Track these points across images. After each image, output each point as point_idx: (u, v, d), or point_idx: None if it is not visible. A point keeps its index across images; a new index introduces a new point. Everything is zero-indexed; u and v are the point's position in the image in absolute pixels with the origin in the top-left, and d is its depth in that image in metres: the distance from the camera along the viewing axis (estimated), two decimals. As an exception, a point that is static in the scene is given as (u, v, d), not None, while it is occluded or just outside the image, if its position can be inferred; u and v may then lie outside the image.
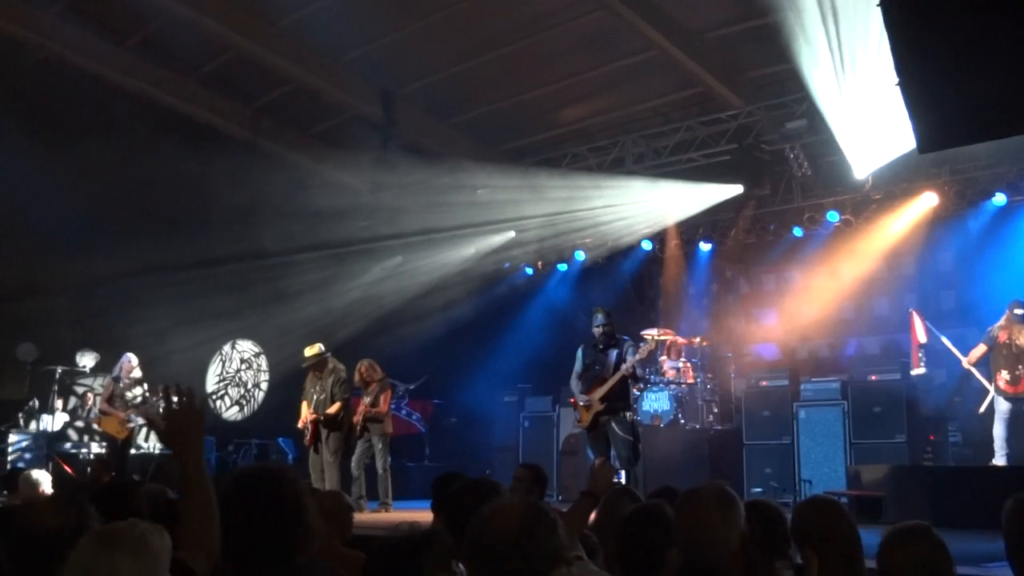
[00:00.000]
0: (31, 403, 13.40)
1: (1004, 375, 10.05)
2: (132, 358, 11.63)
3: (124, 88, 12.80)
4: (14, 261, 13.32)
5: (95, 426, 12.24)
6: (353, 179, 14.98)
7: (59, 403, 13.56)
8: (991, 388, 10.17)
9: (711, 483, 3.24)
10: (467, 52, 12.53)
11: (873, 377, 11.34)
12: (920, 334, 10.96)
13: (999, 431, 9.96)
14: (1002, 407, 10.03)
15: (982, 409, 10.31)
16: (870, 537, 3.44)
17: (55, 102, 12.00)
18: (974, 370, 10.38)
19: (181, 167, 13.25)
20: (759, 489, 11.01)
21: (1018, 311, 10.14)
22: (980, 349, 10.34)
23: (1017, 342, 10.04)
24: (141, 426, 11.51)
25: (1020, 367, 9.97)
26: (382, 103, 13.53)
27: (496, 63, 12.63)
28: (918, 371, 10.88)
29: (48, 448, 12.63)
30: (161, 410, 2.86)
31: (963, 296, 12.38)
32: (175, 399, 2.78)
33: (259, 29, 12.36)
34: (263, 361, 16.36)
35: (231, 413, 16.00)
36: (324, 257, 14.59)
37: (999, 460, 9.81)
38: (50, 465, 11.74)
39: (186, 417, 2.77)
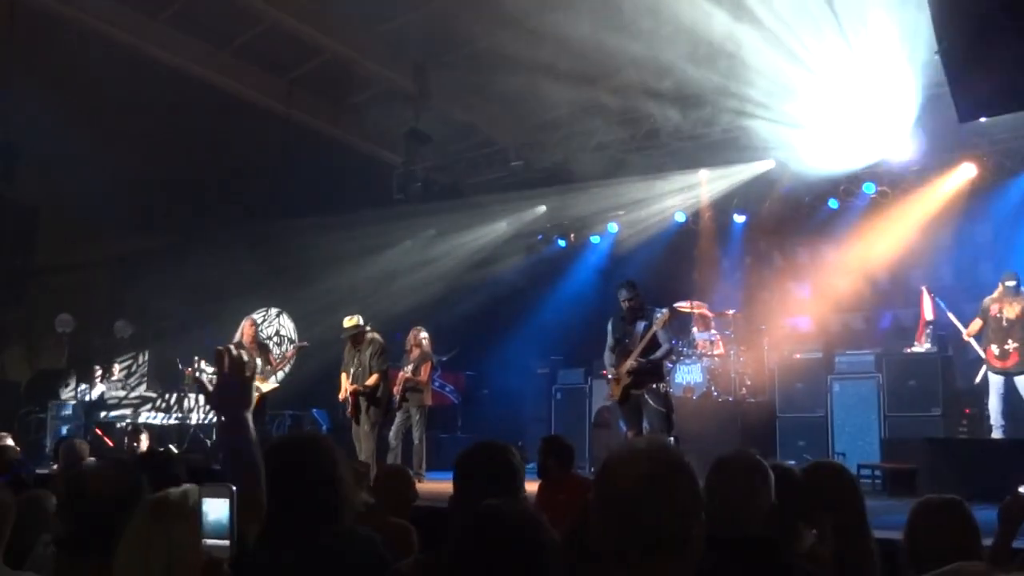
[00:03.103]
0: (70, 373, 13.61)
1: (993, 349, 9.83)
2: (253, 320, 11.22)
3: (159, 61, 12.87)
4: (52, 234, 13.49)
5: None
6: (386, 151, 15.00)
7: (98, 373, 13.75)
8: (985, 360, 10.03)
9: (742, 452, 2.99)
10: (500, 23, 12.45)
11: (908, 349, 11.23)
12: (928, 311, 10.85)
13: (994, 404, 9.81)
14: (995, 380, 9.85)
15: (978, 379, 10.18)
16: (904, 510, 3.43)
17: (92, 78, 12.09)
18: (973, 341, 10.15)
19: (215, 141, 13.35)
20: (792, 462, 10.94)
21: (1009, 283, 9.88)
22: (976, 323, 10.08)
23: (1007, 316, 9.78)
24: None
25: (1009, 341, 9.72)
26: (415, 75, 13.51)
27: (529, 35, 12.54)
28: (920, 347, 10.87)
29: (87, 418, 12.84)
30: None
31: (1002, 268, 12.11)
32: (226, 364, 2.78)
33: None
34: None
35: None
36: (357, 230, 14.61)
37: (996, 434, 9.67)
38: (88, 435, 11.95)
39: (235, 382, 2.79)
